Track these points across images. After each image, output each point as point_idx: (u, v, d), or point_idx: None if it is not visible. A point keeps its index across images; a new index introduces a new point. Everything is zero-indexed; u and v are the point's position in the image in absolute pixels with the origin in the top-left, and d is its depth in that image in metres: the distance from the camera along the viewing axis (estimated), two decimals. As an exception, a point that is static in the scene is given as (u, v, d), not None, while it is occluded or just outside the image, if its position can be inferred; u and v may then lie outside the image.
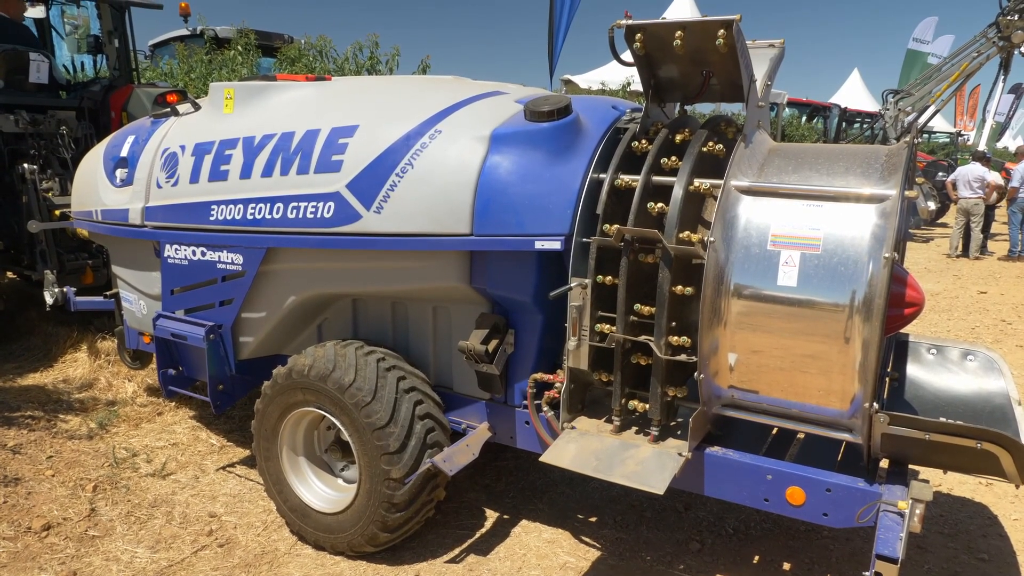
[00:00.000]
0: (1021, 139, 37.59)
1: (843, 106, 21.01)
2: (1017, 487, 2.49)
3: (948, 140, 26.29)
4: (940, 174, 16.41)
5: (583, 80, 17.82)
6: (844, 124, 19.95)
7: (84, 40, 6.93)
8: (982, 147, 14.99)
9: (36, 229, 5.32)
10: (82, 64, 7.42)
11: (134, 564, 3.21)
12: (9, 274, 6.17)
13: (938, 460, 2.64)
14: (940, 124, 25.06)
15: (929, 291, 9.69)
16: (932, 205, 15.01)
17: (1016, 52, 11.62)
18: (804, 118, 20.94)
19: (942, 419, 2.52)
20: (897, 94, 13.20)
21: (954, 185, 13.62)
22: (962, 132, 28.05)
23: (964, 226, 13.27)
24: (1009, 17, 11.31)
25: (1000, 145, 33.90)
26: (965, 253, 13.23)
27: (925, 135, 24.48)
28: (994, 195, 13.39)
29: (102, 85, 6.46)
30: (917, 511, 2.28)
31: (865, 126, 18.74)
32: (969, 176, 13.27)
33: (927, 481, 2.43)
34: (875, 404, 2.38)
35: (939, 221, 17.85)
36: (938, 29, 23.51)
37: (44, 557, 3.22)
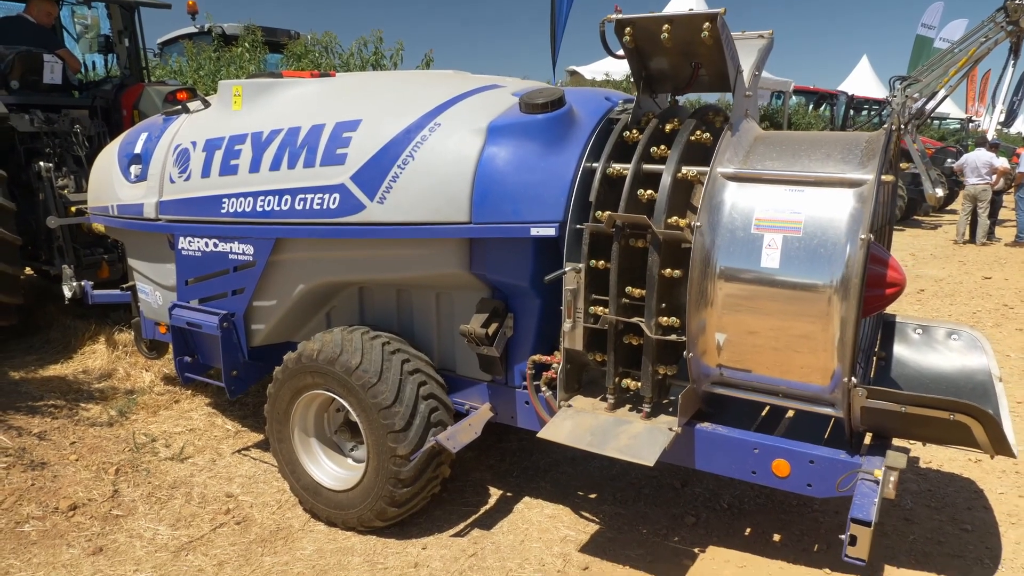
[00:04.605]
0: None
1: (851, 93, 20.93)
2: (992, 457, 2.59)
3: (959, 126, 26.13)
4: (948, 160, 16.38)
5: (588, 71, 17.91)
6: (851, 112, 19.87)
7: (95, 40, 7.08)
8: (991, 134, 14.93)
9: (55, 225, 5.50)
10: (93, 64, 7.57)
11: (156, 540, 3.38)
12: (28, 270, 6.35)
13: (916, 432, 2.76)
14: (952, 111, 24.89)
15: (934, 277, 9.73)
16: (940, 192, 14.96)
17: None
18: (811, 106, 20.88)
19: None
20: (905, 80, 13.14)
21: (962, 171, 13.61)
22: (973, 118, 27.85)
23: (971, 212, 13.26)
24: (1018, 1, 11.23)
25: (1013, 131, 33.57)
26: (972, 239, 13.23)
27: (936, 121, 24.33)
28: (1000, 181, 13.36)
29: (114, 84, 6.62)
30: (891, 478, 2.41)
31: (872, 113, 18.68)
32: (977, 162, 13.26)
33: (906, 451, 2.55)
34: (854, 379, 2.50)
35: (947, 208, 17.80)
36: (946, 14, 23.40)
37: (72, 535, 3.40)
